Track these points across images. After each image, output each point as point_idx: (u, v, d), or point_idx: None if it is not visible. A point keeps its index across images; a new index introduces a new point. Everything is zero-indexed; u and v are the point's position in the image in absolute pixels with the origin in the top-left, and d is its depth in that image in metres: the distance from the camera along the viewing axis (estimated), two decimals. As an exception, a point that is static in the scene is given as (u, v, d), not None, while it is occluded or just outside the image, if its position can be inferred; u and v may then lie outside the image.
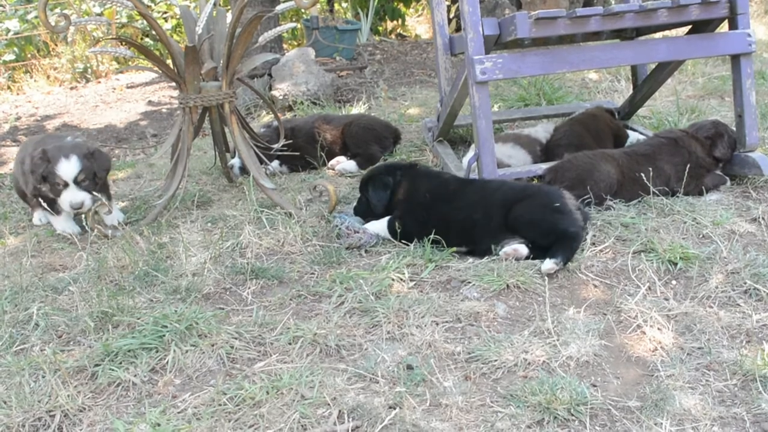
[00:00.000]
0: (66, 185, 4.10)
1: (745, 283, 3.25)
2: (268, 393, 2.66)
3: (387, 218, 3.96)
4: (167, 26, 11.55)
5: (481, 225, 3.69)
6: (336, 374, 2.79)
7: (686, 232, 3.76)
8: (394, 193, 4.03)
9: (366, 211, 4.11)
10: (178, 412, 2.63)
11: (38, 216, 4.67)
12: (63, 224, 4.41)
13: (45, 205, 4.26)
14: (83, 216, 4.15)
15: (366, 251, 3.87)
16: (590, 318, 3.10)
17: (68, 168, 4.07)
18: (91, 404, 2.71)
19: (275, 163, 5.27)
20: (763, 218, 3.89)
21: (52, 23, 4.00)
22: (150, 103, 8.78)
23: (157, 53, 5.74)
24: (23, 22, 11.20)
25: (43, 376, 2.83)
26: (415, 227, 3.83)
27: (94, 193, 4.19)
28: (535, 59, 4.20)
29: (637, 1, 4.82)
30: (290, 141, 5.03)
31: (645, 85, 5.28)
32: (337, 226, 4.01)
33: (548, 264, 3.38)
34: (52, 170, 4.07)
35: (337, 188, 4.58)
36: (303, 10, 9.91)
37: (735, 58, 4.35)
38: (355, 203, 4.25)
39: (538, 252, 3.57)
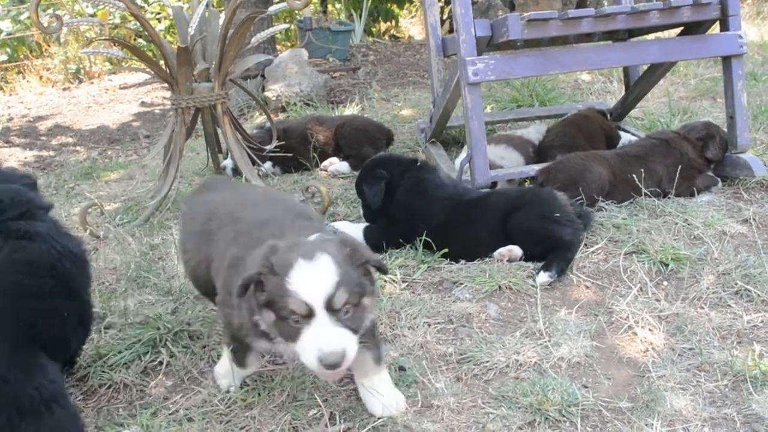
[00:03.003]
0: (311, 315, 2.07)
1: (736, 284, 3.26)
2: (259, 395, 2.66)
3: (363, 226, 3.93)
4: (160, 27, 11.52)
5: (484, 243, 3.67)
6: (328, 376, 2.78)
7: (678, 234, 3.77)
8: (388, 194, 3.89)
9: (372, 214, 3.97)
10: (170, 414, 2.63)
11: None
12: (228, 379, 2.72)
13: (229, 342, 2.56)
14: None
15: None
16: (582, 319, 3.10)
17: (317, 284, 2.06)
18: (82, 406, 2.71)
19: (268, 164, 5.27)
20: (754, 219, 3.90)
21: (45, 24, 4.00)
22: (143, 104, 8.76)
23: (150, 54, 5.73)
24: (16, 23, 11.16)
25: (34, 378, 2.82)
26: (397, 242, 3.82)
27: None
28: (528, 60, 4.21)
29: (629, 3, 4.84)
30: (283, 142, 5.03)
31: (637, 86, 5.30)
32: None
33: (543, 277, 3.36)
34: (285, 287, 2.07)
35: (330, 189, 4.58)
36: (296, 11, 9.91)
37: (726, 60, 4.36)
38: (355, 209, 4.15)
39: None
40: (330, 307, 2.05)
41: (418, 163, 3.99)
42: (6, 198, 2.67)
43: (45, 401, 2.21)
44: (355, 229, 3.91)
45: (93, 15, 10.79)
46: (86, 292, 2.75)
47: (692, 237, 3.74)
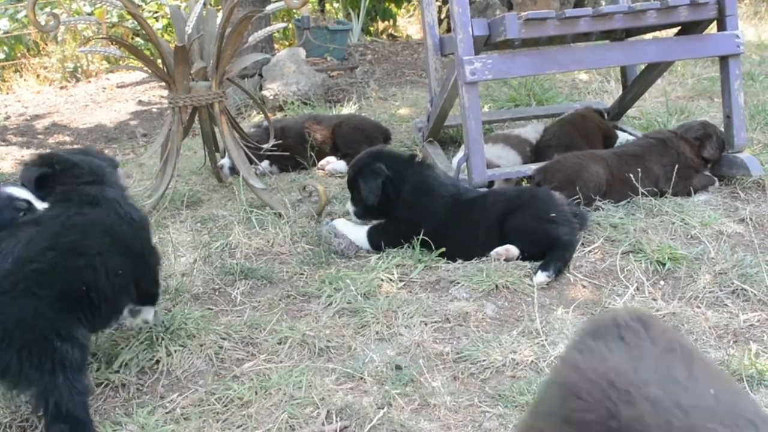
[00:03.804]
0: None
1: (733, 283, 3.27)
2: (256, 393, 2.66)
3: (367, 228, 3.87)
4: (158, 26, 11.51)
5: (481, 243, 3.67)
6: (325, 374, 2.79)
7: (674, 233, 3.77)
8: (393, 192, 3.82)
9: (364, 210, 3.90)
10: (166, 413, 2.63)
11: None
12: None
13: None
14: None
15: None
16: (579, 318, 3.10)
17: None
18: (78, 405, 2.70)
19: (265, 163, 5.27)
20: (750, 219, 3.90)
21: (42, 22, 3.99)
22: (140, 102, 8.76)
23: (148, 53, 5.73)
24: (13, 21, 11.15)
25: (31, 377, 2.82)
26: (402, 242, 3.79)
27: None
28: (525, 60, 4.21)
29: (627, 3, 4.85)
30: (280, 141, 5.02)
31: (634, 85, 5.30)
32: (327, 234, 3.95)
33: (540, 277, 3.36)
34: None
35: (327, 188, 4.58)
36: (294, 10, 9.90)
37: (723, 60, 4.36)
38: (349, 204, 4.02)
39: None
40: None
41: (417, 159, 3.97)
42: (85, 166, 2.88)
43: (56, 361, 2.35)
44: (357, 231, 3.87)
45: (90, 13, 10.77)
46: (145, 254, 2.89)
47: (689, 236, 3.75)
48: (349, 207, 3.97)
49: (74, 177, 2.81)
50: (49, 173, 2.81)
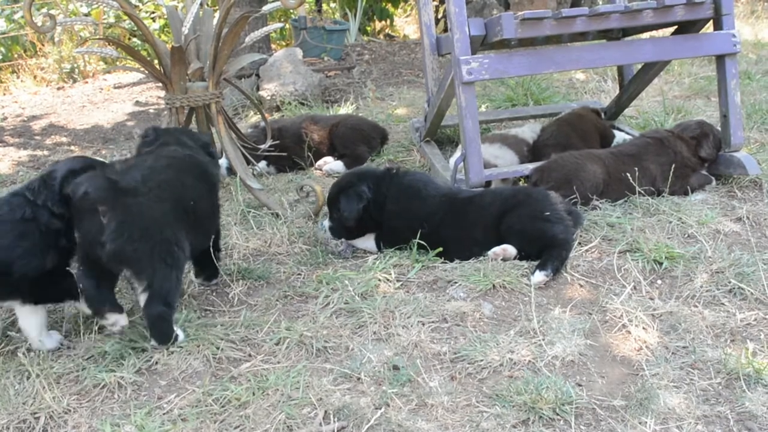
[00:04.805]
0: None
1: (730, 282, 3.27)
2: (254, 394, 2.66)
3: (374, 236, 3.86)
4: (155, 26, 11.48)
5: (480, 242, 3.67)
6: (322, 375, 2.79)
7: (672, 232, 3.78)
8: (375, 206, 3.80)
9: (341, 228, 3.85)
10: (164, 414, 2.63)
11: None
12: None
13: None
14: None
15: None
16: (576, 318, 3.11)
17: None
18: (76, 406, 2.70)
19: (262, 164, 5.27)
20: (747, 218, 3.91)
21: (38, 23, 3.98)
22: (137, 103, 8.74)
23: (144, 54, 5.72)
24: (10, 22, 11.12)
25: (28, 378, 2.82)
26: (403, 242, 3.79)
27: None
28: (522, 59, 4.21)
29: (623, 2, 4.85)
30: (277, 141, 5.02)
31: (631, 85, 5.30)
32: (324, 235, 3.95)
33: (538, 276, 3.36)
34: None
35: (325, 189, 4.57)
36: (291, 10, 9.89)
37: (720, 59, 4.37)
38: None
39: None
40: None
41: (394, 171, 3.93)
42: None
43: (173, 260, 2.93)
44: (367, 239, 3.88)
45: (87, 14, 10.76)
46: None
47: (686, 235, 3.75)
48: (326, 224, 3.91)
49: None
50: None
